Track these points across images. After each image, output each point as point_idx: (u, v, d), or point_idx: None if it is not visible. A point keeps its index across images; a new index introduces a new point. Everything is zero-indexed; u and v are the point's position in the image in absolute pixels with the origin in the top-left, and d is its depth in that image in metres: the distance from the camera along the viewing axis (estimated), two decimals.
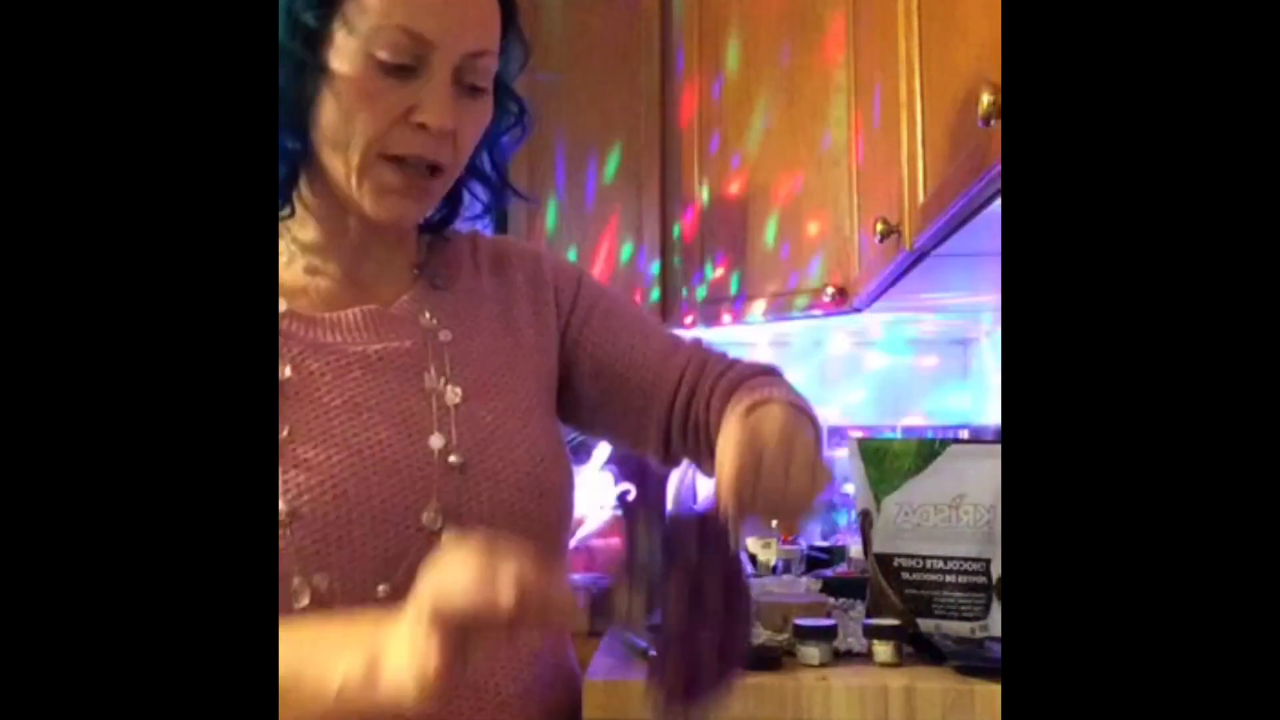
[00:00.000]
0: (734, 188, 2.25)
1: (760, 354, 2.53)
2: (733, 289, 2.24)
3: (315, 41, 0.86)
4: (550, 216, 2.35)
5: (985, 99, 0.88)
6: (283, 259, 0.92)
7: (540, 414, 0.95)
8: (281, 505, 0.80)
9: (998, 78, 0.87)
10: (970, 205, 1.07)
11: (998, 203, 1.01)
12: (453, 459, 0.86)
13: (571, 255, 2.33)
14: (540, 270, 1.01)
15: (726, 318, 2.24)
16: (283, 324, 0.88)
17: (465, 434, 0.87)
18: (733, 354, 0.99)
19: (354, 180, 0.87)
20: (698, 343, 1.02)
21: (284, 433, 0.82)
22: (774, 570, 1.64)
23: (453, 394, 0.89)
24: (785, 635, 0.97)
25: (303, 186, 0.91)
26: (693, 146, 2.31)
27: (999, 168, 0.91)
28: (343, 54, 0.85)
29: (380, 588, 0.82)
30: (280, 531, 0.80)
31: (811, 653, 0.93)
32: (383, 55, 0.84)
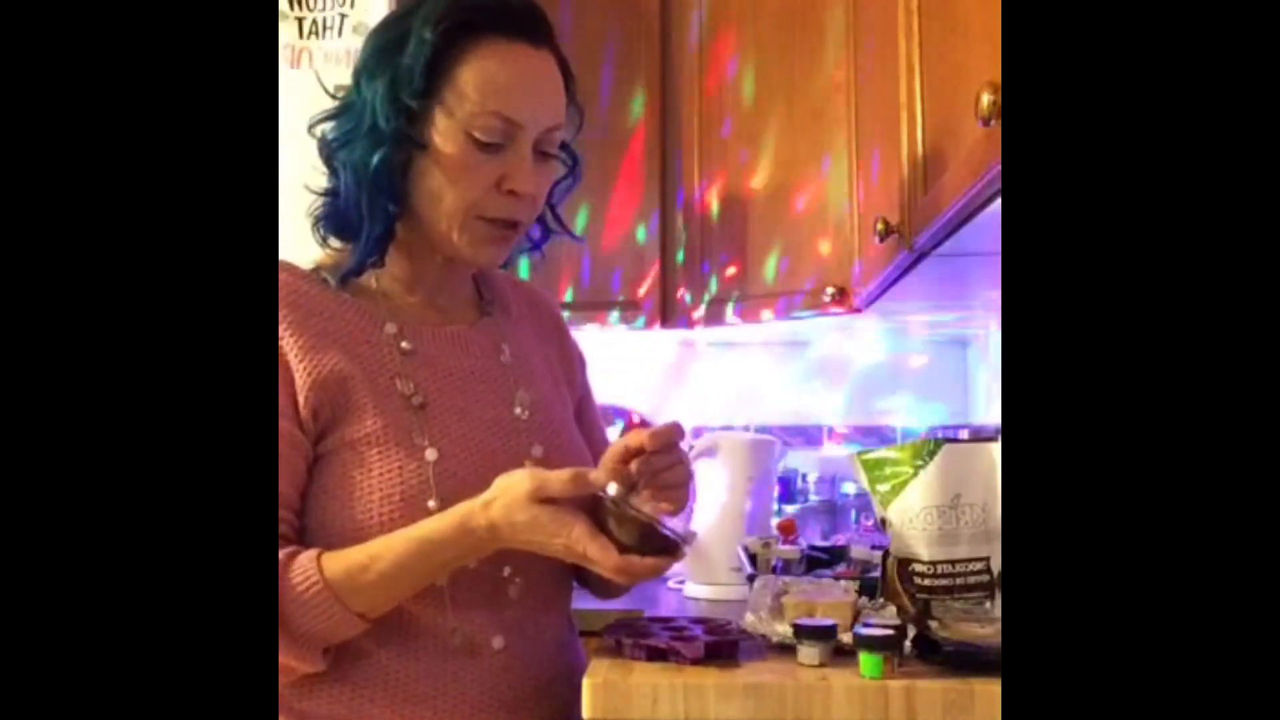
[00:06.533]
0: (733, 188, 2.25)
1: (760, 354, 2.53)
2: (733, 289, 2.24)
3: (416, 121, 1.00)
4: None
5: (985, 99, 0.88)
6: (373, 283, 1.07)
7: (573, 422, 1.17)
8: (432, 505, 0.97)
9: (998, 78, 0.87)
10: (970, 205, 1.07)
11: (998, 203, 1.01)
12: (535, 452, 1.06)
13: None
14: (565, 333, 1.24)
15: (727, 318, 2.24)
16: (393, 337, 1.04)
17: (542, 432, 1.08)
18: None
19: (453, 235, 1.03)
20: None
21: (423, 440, 0.99)
22: (774, 570, 1.64)
23: (525, 401, 1.09)
24: (782, 629, 0.97)
25: (398, 235, 1.05)
26: (693, 146, 2.31)
27: (999, 168, 0.92)
28: (443, 133, 1.00)
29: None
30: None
31: (811, 653, 0.93)
32: (479, 135, 1.00)
